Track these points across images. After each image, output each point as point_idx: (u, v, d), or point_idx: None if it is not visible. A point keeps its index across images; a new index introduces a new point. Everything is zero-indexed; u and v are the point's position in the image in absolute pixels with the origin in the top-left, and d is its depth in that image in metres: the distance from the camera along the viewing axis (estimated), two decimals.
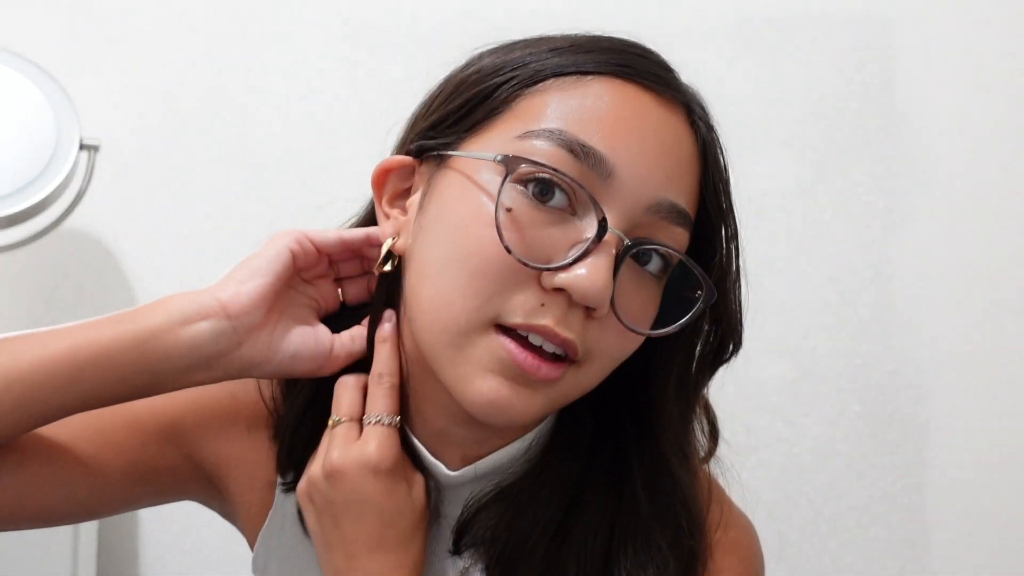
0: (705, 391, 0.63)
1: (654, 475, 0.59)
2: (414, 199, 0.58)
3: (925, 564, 1.26)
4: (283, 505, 0.65)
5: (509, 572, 0.58)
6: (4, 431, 0.54)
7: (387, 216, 0.60)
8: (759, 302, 1.29)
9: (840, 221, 1.31)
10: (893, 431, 1.28)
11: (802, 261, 1.30)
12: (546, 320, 0.51)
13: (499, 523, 0.59)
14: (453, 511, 0.61)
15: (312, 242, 0.60)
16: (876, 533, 1.26)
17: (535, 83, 0.54)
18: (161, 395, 0.59)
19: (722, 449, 0.66)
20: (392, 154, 0.62)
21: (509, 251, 0.50)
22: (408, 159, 0.59)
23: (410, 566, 0.57)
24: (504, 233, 0.50)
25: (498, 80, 0.55)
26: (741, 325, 0.61)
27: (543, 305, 0.51)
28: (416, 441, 0.60)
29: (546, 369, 0.51)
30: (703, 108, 0.58)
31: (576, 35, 0.58)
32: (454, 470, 0.60)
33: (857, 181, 1.32)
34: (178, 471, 0.65)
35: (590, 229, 0.51)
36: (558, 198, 0.51)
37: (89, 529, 1.18)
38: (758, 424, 1.27)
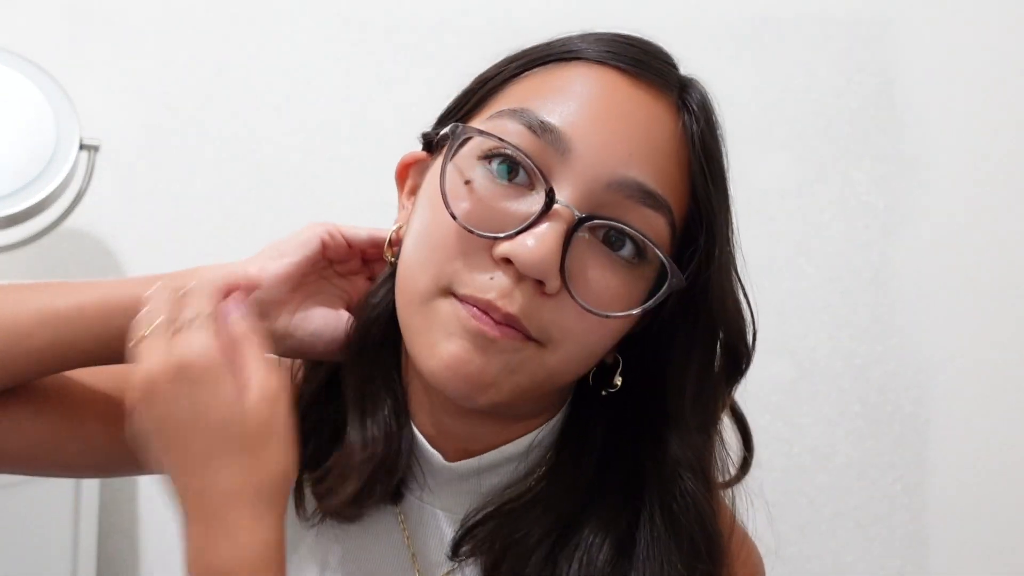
0: (730, 404, 0.62)
1: (670, 493, 0.57)
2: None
3: (925, 564, 1.26)
4: None
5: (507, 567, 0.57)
6: (34, 368, 0.57)
7: (403, 207, 0.62)
8: (759, 302, 1.29)
9: (840, 221, 1.31)
10: (893, 431, 1.28)
11: (802, 261, 1.30)
12: (490, 294, 0.51)
13: (501, 534, 0.57)
14: (452, 504, 0.60)
15: (343, 235, 0.62)
16: (876, 533, 1.26)
17: (520, 73, 0.56)
18: None
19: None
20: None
21: (454, 217, 0.51)
22: (423, 154, 0.61)
23: (258, 480, 0.50)
24: (453, 203, 0.52)
25: (491, 73, 0.58)
26: (747, 333, 0.60)
27: (492, 278, 0.51)
28: (417, 432, 0.60)
29: (501, 329, 0.51)
30: (703, 108, 0.58)
31: (582, 33, 0.59)
32: (451, 462, 0.59)
33: (857, 181, 1.32)
34: None
35: (540, 200, 0.51)
36: (520, 176, 0.52)
37: (89, 529, 1.18)
38: (758, 424, 1.26)
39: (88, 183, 1.17)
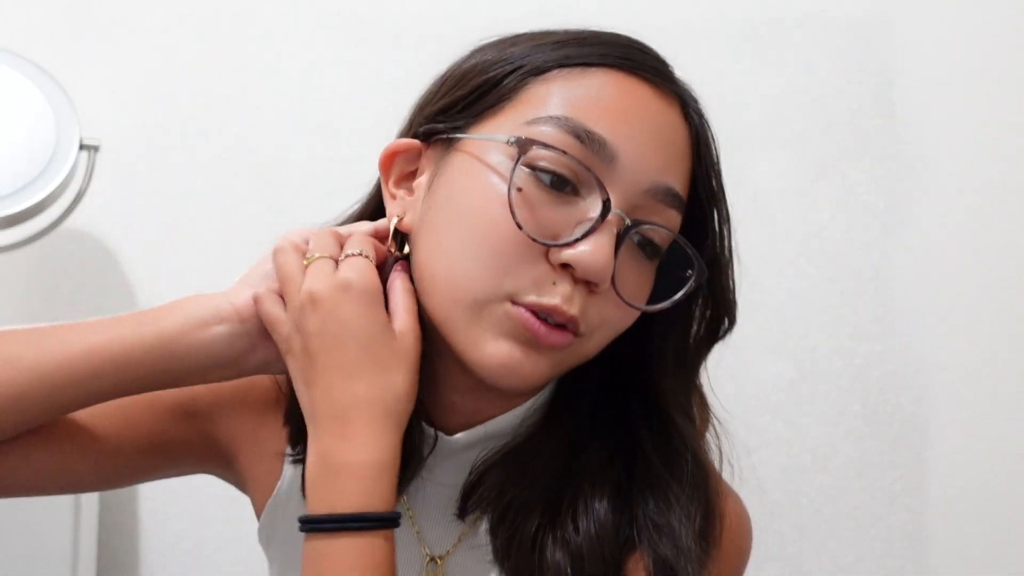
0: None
1: (662, 436, 0.61)
2: (421, 180, 0.61)
3: (925, 564, 1.26)
4: (291, 476, 0.67)
5: (512, 529, 0.59)
6: (30, 420, 0.59)
7: (393, 197, 0.62)
8: (759, 302, 1.30)
9: (840, 221, 1.31)
10: (893, 431, 1.28)
11: (802, 261, 1.30)
12: (555, 300, 0.54)
13: (504, 483, 0.60)
14: (454, 478, 0.62)
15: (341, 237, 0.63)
16: (876, 533, 1.26)
17: (541, 72, 0.57)
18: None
19: (723, 449, 0.67)
20: (397, 139, 0.64)
21: (521, 228, 0.54)
22: (415, 142, 0.62)
23: (389, 398, 0.55)
24: (516, 211, 0.54)
25: (507, 68, 0.58)
26: (735, 303, 0.64)
27: (554, 284, 0.55)
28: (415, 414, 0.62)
29: (556, 336, 0.55)
30: (695, 100, 0.61)
31: (578, 29, 0.61)
32: (451, 436, 0.62)
33: (857, 181, 1.32)
34: (193, 446, 0.69)
35: (594, 209, 0.54)
36: (568, 185, 0.55)
37: (89, 529, 1.18)
38: (758, 424, 1.27)
39: (88, 183, 1.17)
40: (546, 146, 0.54)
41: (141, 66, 1.33)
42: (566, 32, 0.61)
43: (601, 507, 0.59)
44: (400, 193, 0.62)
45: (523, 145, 0.54)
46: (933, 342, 1.29)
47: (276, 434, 0.67)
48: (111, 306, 1.30)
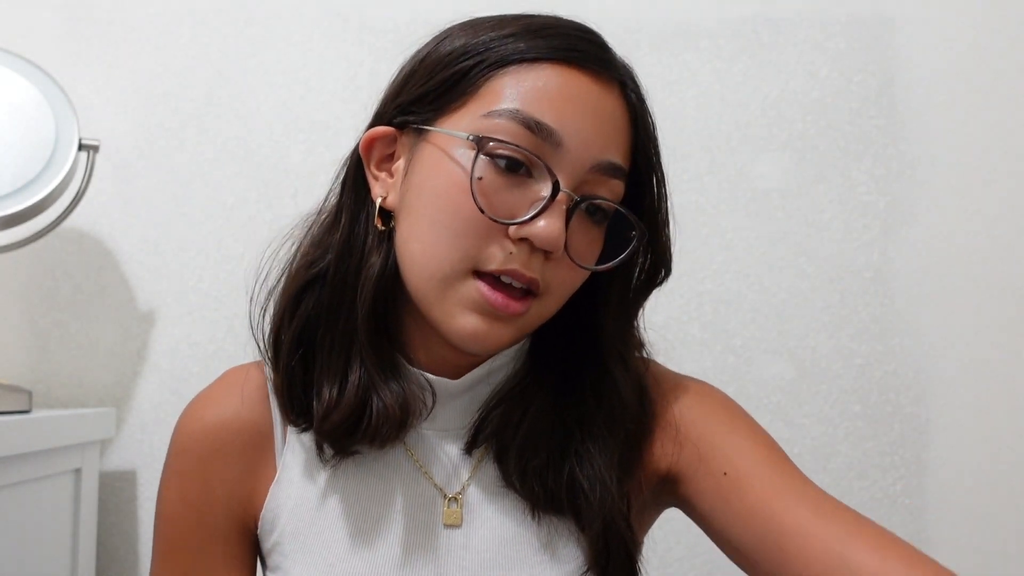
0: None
1: (598, 382, 0.71)
2: (399, 164, 0.69)
3: None
4: (295, 449, 0.71)
5: (519, 452, 0.68)
6: None
7: (376, 178, 0.70)
8: (759, 302, 1.30)
9: (840, 221, 1.31)
10: (893, 431, 1.28)
11: (802, 261, 1.30)
12: (515, 264, 0.63)
13: (505, 416, 0.69)
14: (454, 422, 0.71)
15: None
16: None
17: (499, 67, 0.64)
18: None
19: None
20: (371, 122, 0.71)
21: (483, 211, 0.62)
22: (390, 130, 0.69)
23: None
24: (478, 198, 0.62)
25: (468, 63, 0.65)
26: (671, 255, 0.72)
27: (512, 253, 0.63)
28: (413, 369, 0.69)
29: (514, 306, 0.64)
30: (634, 81, 0.68)
31: (532, 18, 0.67)
32: (453, 380, 0.70)
33: (857, 181, 1.32)
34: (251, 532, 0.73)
35: (546, 190, 0.63)
36: (522, 169, 0.63)
37: (89, 529, 1.18)
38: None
39: (88, 183, 1.17)
40: (501, 141, 0.62)
41: (141, 66, 1.33)
42: (523, 23, 0.67)
43: (556, 443, 0.69)
44: (382, 176, 0.70)
45: (480, 142, 0.62)
46: (933, 342, 1.29)
47: (261, 422, 0.72)
48: (111, 306, 1.30)
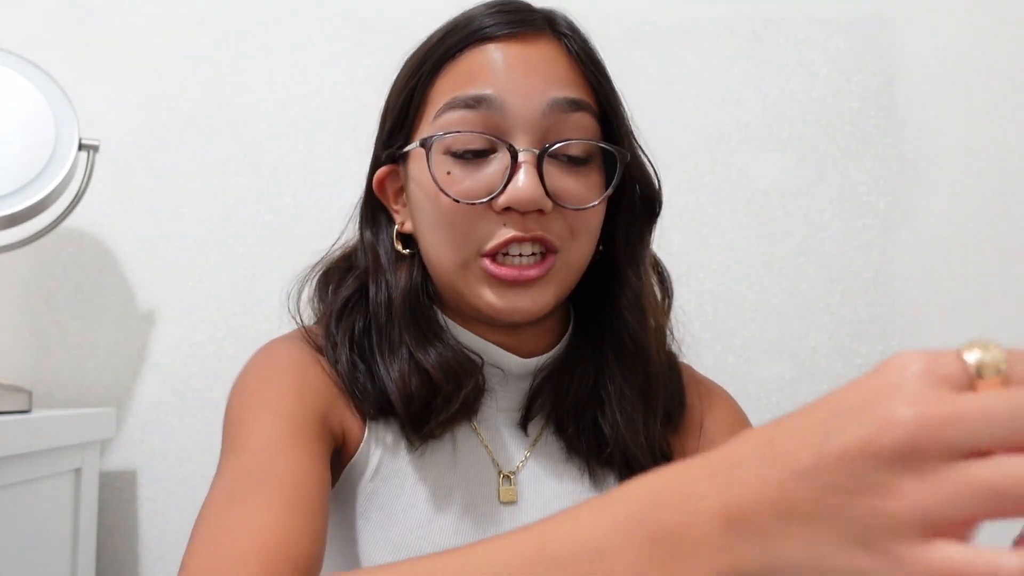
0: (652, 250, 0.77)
1: (616, 328, 0.74)
2: (406, 193, 0.74)
3: None
4: (376, 438, 0.72)
5: (574, 427, 0.72)
6: None
7: (396, 212, 0.75)
8: (759, 302, 1.30)
9: (840, 221, 1.31)
10: None
11: (802, 261, 1.30)
12: (511, 233, 0.66)
13: (556, 392, 0.73)
14: (513, 403, 0.74)
15: None
16: None
17: (433, 77, 0.70)
18: (304, 396, 0.67)
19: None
20: (371, 163, 0.77)
21: (457, 201, 0.66)
22: (391, 166, 0.75)
23: None
24: (448, 191, 0.66)
25: (409, 86, 0.71)
26: (654, 178, 0.74)
27: (504, 224, 0.66)
28: (488, 342, 0.73)
29: (529, 272, 0.67)
30: (564, 23, 0.71)
31: (451, 20, 0.71)
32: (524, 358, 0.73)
33: (857, 181, 1.32)
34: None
35: (508, 157, 0.66)
36: (483, 150, 0.67)
37: (89, 529, 1.18)
38: (758, 424, 1.27)
39: (88, 183, 1.17)
40: (447, 133, 0.67)
41: (141, 66, 1.33)
42: (443, 28, 0.72)
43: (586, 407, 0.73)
44: (399, 207, 0.75)
45: (425, 143, 0.67)
46: (933, 342, 1.29)
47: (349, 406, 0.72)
48: (111, 306, 1.30)
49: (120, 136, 1.31)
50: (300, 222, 1.30)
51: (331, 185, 1.30)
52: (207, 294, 1.30)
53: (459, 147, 0.67)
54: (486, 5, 0.71)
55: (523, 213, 0.66)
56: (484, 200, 0.66)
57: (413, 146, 0.69)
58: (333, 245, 0.81)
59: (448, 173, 0.67)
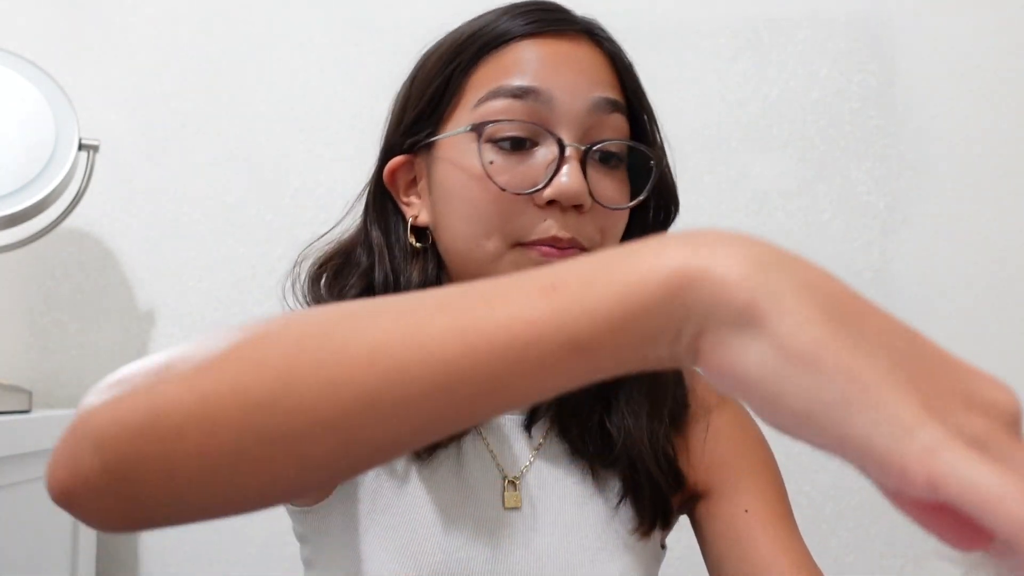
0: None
1: None
2: (423, 184, 0.72)
3: (925, 564, 1.26)
4: None
5: (579, 429, 0.72)
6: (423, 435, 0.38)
7: (407, 204, 0.73)
8: None
9: (840, 221, 1.31)
10: None
11: None
12: (552, 231, 0.65)
13: (562, 398, 0.70)
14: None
15: None
16: (876, 533, 1.26)
17: (473, 64, 0.68)
18: None
19: None
20: (381, 154, 0.74)
21: (504, 190, 0.65)
22: (404, 157, 0.72)
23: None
24: (496, 179, 0.65)
25: (446, 73, 0.69)
26: (676, 190, 0.75)
27: (546, 221, 0.66)
28: None
29: (567, 255, 0.66)
30: (601, 28, 0.72)
31: (486, 13, 0.71)
32: None
33: (857, 181, 1.32)
34: None
35: (554, 150, 0.66)
36: (526, 143, 0.66)
37: (89, 529, 1.18)
38: (761, 424, 1.27)
39: (87, 183, 1.17)
40: (496, 121, 0.66)
41: (141, 66, 1.33)
42: (479, 20, 0.71)
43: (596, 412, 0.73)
44: (411, 199, 0.73)
45: (478, 128, 0.66)
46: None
47: None
48: (111, 306, 1.30)
49: (120, 136, 1.31)
50: (300, 222, 1.30)
51: (331, 185, 1.30)
52: (207, 294, 1.30)
53: (504, 135, 0.66)
54: (523, 4, 0.71)
55: (563, 209, 0.66)
56: (530, 191, 0.66)
57: (460, 131, 0.67)
58: (320, 238, 0.77)
59: (491, 163, 0.66)
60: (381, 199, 0.74)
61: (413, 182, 0.73)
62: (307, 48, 1.34)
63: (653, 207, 0.74)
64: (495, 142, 0.66)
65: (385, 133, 0.75)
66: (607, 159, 0.68)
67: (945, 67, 1.33)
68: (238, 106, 1.32)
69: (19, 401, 1.07)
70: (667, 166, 0.73)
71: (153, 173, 1.32)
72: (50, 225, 1.16)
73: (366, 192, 0.76)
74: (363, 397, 0.34)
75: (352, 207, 0.77)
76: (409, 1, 1.33)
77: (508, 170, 0.66)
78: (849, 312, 0.34)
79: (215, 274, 1.30)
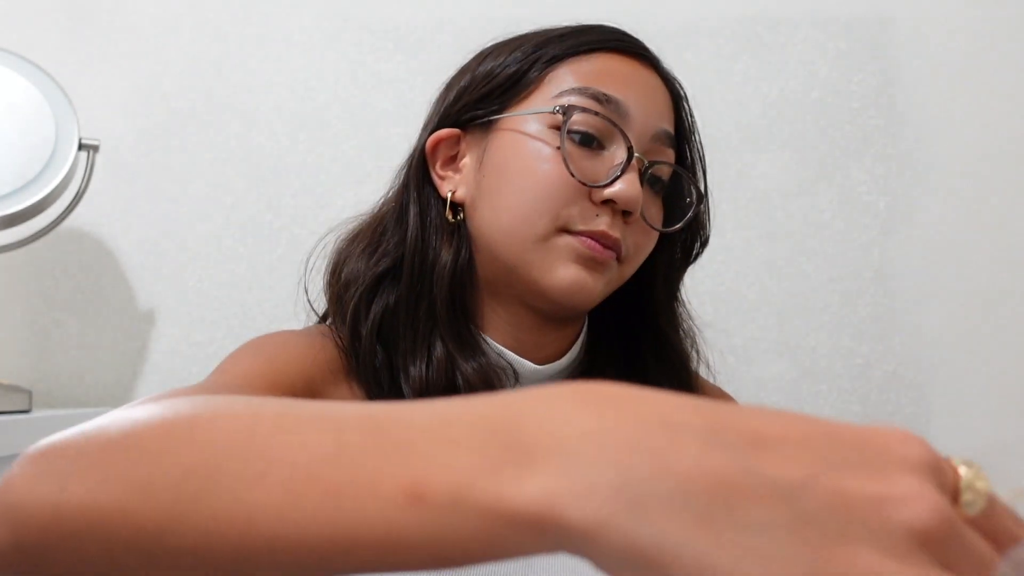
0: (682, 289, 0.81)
1: (657, 347, 0.78)
2: (466, 161, 0.74)
3: None
4: None
5: None
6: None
7: (442, 178, 0.75)
8: (759, 302, 1.30)
9: (840, 221, 1.31)
10: None
11: (802, 261, 1.30)
12: (602, 226, 0.68)
13: None
14: None
15: None
16: None
17: (557, 60, 0.71)
18: (288, 363, 0.68)
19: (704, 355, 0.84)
20: (424, 130, 0.76)
21: (573, 175, 0.68)
22: (455, 131, 0.74)
23: None
24: (569, 164, 0.68)
25: (529, 61, 0.72)
26: (709, 228, 0.79)
27: (598, 215, 0.69)
28: (497, 347, 0.73)
29: (607, 252, 0.69)
30: (666, 68, 0.76)
31: (573, 24, 0.75)
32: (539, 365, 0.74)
33: (857, 181, 1.32)
34: None
35: (620, 157, 0.69)
36: (593, 138, 0.69)
37: None
38: None
39: (87, 183, 1.17)
40: (584, 109, 0.69)
41: (141, 66, 1.33)
42: (565, 27, 0.74)
43: None
44: (448, 174, 0.75)
45: (567, 111, 0.69)
46: (933, 342, 1.29)
47: (344, 393, 0.73)
48: (111, 306, 1.30)
49: (120, 136, 1.31)
50: (300, 222, 1.30)
51: (331, 185, 1.30)
52: (207, 294, 1.30)
53: (582, 128, 0.69)
54: (607, 25, 0.75)
55: (615, 213, 0.69)
56: (591, 184, 0.68)
57: (545, 109, 0.70)
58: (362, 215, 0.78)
59: (557, 148, 0.69)
60: (423, 171, 0.75)
61: (452, 159, 0.75)
62: (307, 48, 1.34)
63: (680, 241, 0.78)
64: (569, 132, 0.69)
65: (434, 109, 0.77)
66: (655, 183, 0.72)
67: (945, 67, 1.33)
68: (238, 106, 1.32)
69: (19, 401, 1.07)
70: (706, 205, 0.77)
71: (153, 173, 1.32)
72: (50, 225, 1.16)
73: (403, 170, 0.77)
74: (240, 553, 0.33)
75: (392, 186, 0.78)
76: (409, 1, 1.33)
77: (576, 161, 0.69)
78: (725, 494, 0.28)
79: (215, 274, 1.30)
